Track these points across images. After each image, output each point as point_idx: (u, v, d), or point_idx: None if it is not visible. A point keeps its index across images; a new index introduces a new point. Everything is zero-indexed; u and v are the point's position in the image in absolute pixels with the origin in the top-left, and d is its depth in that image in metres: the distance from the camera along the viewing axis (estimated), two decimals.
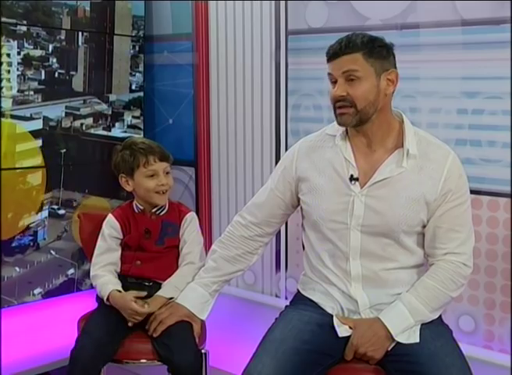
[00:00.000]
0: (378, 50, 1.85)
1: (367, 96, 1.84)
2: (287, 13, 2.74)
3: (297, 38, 2.73)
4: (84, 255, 2.51)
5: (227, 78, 2.97)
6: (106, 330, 2.07)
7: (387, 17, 2.45)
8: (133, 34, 3.07)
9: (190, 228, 2.25)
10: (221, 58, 2.98)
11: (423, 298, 1.88)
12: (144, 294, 2.12)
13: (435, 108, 2.39)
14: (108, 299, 2.13)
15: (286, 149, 2.74)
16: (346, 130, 1.96)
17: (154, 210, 2.24)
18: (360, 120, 1.87)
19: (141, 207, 2.24)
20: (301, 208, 2.06)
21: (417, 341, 1.85)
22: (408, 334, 1.86)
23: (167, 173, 2.22)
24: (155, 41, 3.21)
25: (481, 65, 2.27)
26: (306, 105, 2.74)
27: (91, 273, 2.23)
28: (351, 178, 1.91)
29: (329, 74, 1.89)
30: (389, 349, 1.86)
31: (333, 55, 1.85)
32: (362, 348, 1.84)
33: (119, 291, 2.14)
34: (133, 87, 3.11)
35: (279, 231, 2.53)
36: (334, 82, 1.88)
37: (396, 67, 1.89)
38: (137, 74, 3.10)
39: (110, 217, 2.26)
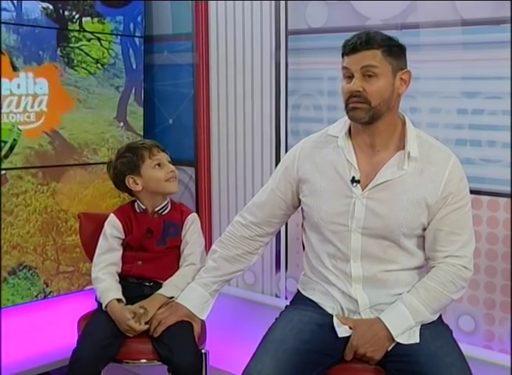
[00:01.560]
0: (395, 48, 1.86)
1: (382, 93, 1.84)
2: (287, 13, 2.73)
3: (297, 38, 2.72)
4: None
5: (227, 78, 2.97)
6: (108, 332, 2.07)
7: (387, 17, 2.45)
8: None
9: (192, 229, 2.26)
10: (221, 58, 2.98)
11: (424, 299, 1.88)
12: (142, 311, 2.10)
13: (435, 108, 2.39)
14: (106, 306, 2.13)
15: (286, 149, 2.74)
16: (349, 130, 1.96)
17: (156, 209, 2.24)
18: (373, 117, 1.86)
19: (143, 207, 2.25)
20: (302, 209, 2.06)
21: (418, 341, 1.85)
22: (408, 335, 1.86)
23: (169, 162, 2.25)
24: (155, 41, 3.20)
25: (481, 65, 2.27)
26: (306, 105, 2.74)
27: (92, 275, 2.23)
28: (353, 180, 1.91)
29: (345, 68, 1.87)
30: (389, 349, 1.86)
31: (352, 49, 1.84)
32: (362, 348, 1.84)
33: (119, 300, 2.14)
34: None
35: (279, 231, 2.53)
36: (348, 77, 1.86)
37: (406, 66, 1.90)
38: None
39: (112, 217, 2.26)
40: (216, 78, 3.00)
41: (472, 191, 1.99)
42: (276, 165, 2.18)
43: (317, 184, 1.97)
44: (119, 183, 2.26)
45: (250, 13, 2.85)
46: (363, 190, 1.90)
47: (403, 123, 1.94)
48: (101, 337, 2.05)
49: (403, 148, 1.90)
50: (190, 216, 2.27)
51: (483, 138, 2.30)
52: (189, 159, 3.14)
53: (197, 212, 3.10)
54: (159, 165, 2.21)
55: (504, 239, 2.28)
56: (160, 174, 2.20)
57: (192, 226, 2.26)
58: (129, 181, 2.22)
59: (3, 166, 2.69)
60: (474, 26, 2.27)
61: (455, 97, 2.34)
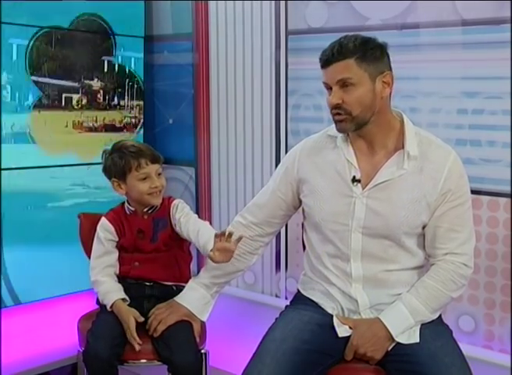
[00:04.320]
0: (371, 53, 1.83)
1: (362, 101, 1.83)
2: (287, 13, 2.74)
3: (297, 38, 2.73)
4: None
5: (227, 78, 2.97)
6: (116, 332, 2.08)
7: (387, 17, 2.45)
8: None
9: (180, 210, 2.20)
10: (221, 58, 2.98)
11: (423, 299, 1.88)
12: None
13: (435, 108, 2.40)
14: (111, 307, 2.14)
15: (286, 149, 2.74)
16: None
17: (145, 210, 2.23)
18: (358, 125, 1.86)
19: (132, 208, 2.24)
20: (303, 209, 2.06)
21: (417, 341, 1.85)
22: (408, 335, 1.86)
23: (159, 174, 2.20)
24: (155, 41, 3.21)
25: (481, 65, 2.27)
26: (306, 105, 2.74)
27: (91, 278, 2.22)
28: (353, 179, 1.91)
29: (324, 83, 1.88)
30: (389, 349, 1.86)
31: (326, 62, 1.84)
32: (362, 348, 1.84)
33: (123, 299, 2.15)
34: None
35: (279, 231, 2.53)
36: (329, 89, 1.87)
37: (391, 68, 1.88)
38: None
39: (104, 220, 2.24)
40: (216, 78, 3.00)
41: (472, 191, 1.99)
42: (276, 165, 2.18)
43: (317, 184, 1.97)
44: (107, 178, 2.25)
45: (250, 13, 2.85)
46: (363, 189, 1.90)
47: (401, 122, 1.94)
48: (111, 337, 2.06)
49: (402, 147, 1.90)
50: (174, 202, 2.23)
51: (483, 138, 2.30)
52: (189, 159, 3.14)
53: (197, 212, 3.10)
54: (145, 178, 2.19)
55: (504, 239, 2.28)
56: (143, 187, 2.16)
57: (178, 207, 2.21)
58: (114, 184, 2.20)
59: None
60: (474, 26, 2.27)
61: (455, 97, 2.34)
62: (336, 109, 1.85)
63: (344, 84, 1.82)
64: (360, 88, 1.83)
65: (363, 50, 1.83)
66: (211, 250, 1.99)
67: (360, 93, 1.83)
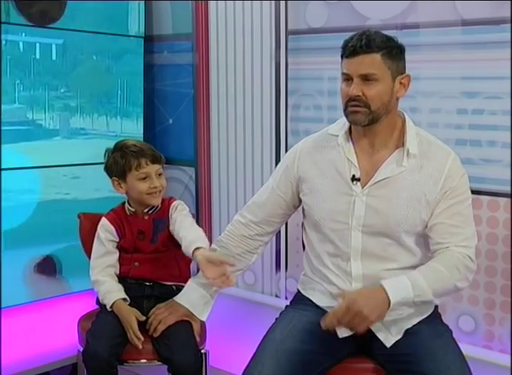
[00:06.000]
0: (395, 51, 1.85)
1: (381, 97, 1.83)
2: (287, 13, 2.74)
3: (297, 38, 2.73)
4: None
5: (227, 78, 2.97)
6: (116, 331, 2.09)
7: (387, 17, 2.45)
8: None
9: (178, 211, 2.21)
10: (221, 58, 2.98)
11: (427, 277, 1.82)
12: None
13: (435, 108, 2.40)
14: (111, 307, 2.14)
15: (286, 149, 2.74)
16: (350, 129, 1.96)
17: (145, 210, 2.23)
18: (372, 120, 1.85)
19: (133, 209, 2.24)
20: (303, 208, 2.06)
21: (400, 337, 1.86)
22: (400, 326, 1.87)
23: (159, 174, 2.20)
24: (155, 41, 3.21)
25: (481, 65, 2.27)
26: (306, 105, 2.74)
27: (92, 278, 2.23)
28: (353, 178, 1.91)
29: (345, 74, 1.85)
30: (388, 347, 1.86)
31: (352, 52, 1.82)
32: (357, 305, 1.73)
33: (124, 299, 2.15)
34: None
35: (279, 231, 2.53)
36: (347, 79, 1.85)
37: (405, 70, 1.89)
38: None
39: (104, 221, 2.25)
40: (216, 78, 3.00)
41: (472, 191, 1.99)
42: (276, 164, 2.18)
43: (317, 183, 1.97)
44: (108, 176, 2.25)
45: (250, 13, 2.85)
46: (363, 187, 1.90)
47: (403, 122, 1.94)
48: (111, 337, 2.07)
49: (402, 145, 1.90)
50: (173, 203, 2.24)
51: (483, 138, 2.30)
52: (189, 159, 3.14)
53: (197, 212, 3.10)
54: (145, 178, 2.19)
55: (504, 239, 2.28)
56: (143, 187, 2.17)
57: (177, 209, 2.21)
58: (114, 183, 2.21)
59: None
60: (474, 26, 2.27)
61: (455, 97, 2.34)
62: (354, 101, 1.83)
63: (366, 78, 1.82)
64: (382, 85, 1.83)
65: (389, 47, 1.83)
66: (194, 249, 1.97)
67: (381, 89, 1.83)
